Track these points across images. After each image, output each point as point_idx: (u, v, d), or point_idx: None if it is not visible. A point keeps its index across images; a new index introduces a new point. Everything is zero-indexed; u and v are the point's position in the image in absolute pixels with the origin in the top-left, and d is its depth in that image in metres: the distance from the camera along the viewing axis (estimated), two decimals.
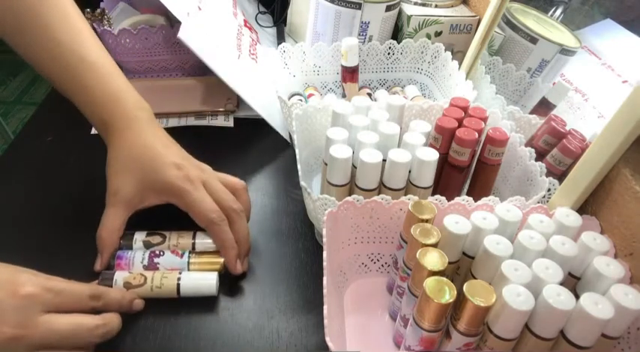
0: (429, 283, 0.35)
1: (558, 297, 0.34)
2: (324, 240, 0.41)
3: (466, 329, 0.36)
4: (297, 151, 0.50)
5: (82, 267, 0.51)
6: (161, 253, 0.50)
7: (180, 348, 0.45)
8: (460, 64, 0.66)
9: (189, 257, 0.49)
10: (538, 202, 0.46)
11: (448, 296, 0.35)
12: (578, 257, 0.39)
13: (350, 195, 0.45)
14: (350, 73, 0.67)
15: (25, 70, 2.30)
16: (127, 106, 0.52)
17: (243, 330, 0.46)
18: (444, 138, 0.48)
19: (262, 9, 0.99)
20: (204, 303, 0.48)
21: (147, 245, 0.51)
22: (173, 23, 0.75)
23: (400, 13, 0.75)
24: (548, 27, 0.63)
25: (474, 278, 0.39)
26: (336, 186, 0.47)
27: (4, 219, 0.57)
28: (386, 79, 0.75)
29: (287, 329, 0.47)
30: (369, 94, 0.71)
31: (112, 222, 0.50)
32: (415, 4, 0.75)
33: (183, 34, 0.62)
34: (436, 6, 0.75)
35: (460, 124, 0.48)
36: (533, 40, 0.61)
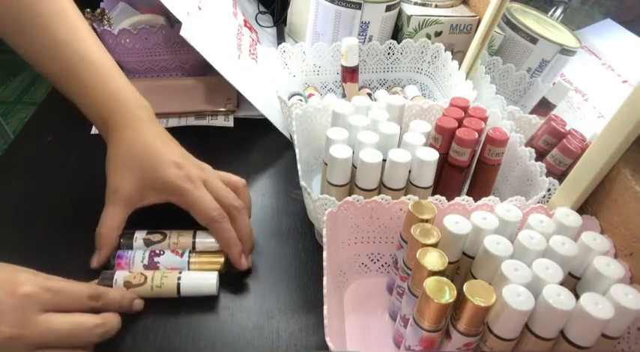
0: (429, 283, 0.35)
1: (558, 297, 0.34)
2: (324, 240, 0.41)
3: (466, 329, 0.36)
4: (297, 151, 0.51)
5: (82, 267, 0.51)
6: (161, 252, 0.50)
7: (180, 348, 0.45)
8: (460, 64, 0.66)
9: (189, 256, 0.50)
10: (538, 202, 0.46)
11: (448, 296, 0.35)
12: (578, 257, 0.39)
13: (350, 195, 0.45)
14: (350, 73, 0.67)
15: (25, 70, 2.30)
16: (128, 105, 0.52)
17: (243, 330, 0.46)
18: (444, 138, 0.48)
19: (262, 9, 0.99)
20: (204, 303, 0.48)
21: (147, 243, 0.51)
22: (173, 23, 0.75)
23: (400, 13, 0.75)
24: (548, 27, 0.63)
25: (474, 278, 0.39)
26: (336, 186, 0.47)
27: (4, 218, 0.57)
28: (386, 79, 0.75)
29: (287, 329, 0.47)
30: (369, 94, 0.71)
31: (112, 219, 0.50)
32: (415, 4, 0.75)
33: (185, 32, 0.62)
34: (436, 6, 0.75)
35: (460, 124, 0.48)
36: (533, 40, 0.61)
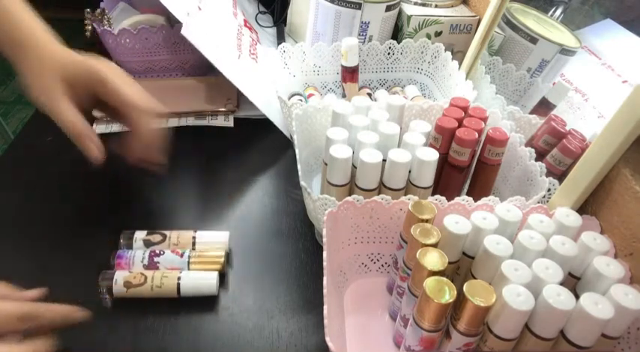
0: (429, 283, 0.35)
1: (558, 297, 0.34)
2: (324, 240, 0.41)
3: (466, 329, 0.36)
4: (297, 151, 0.50)
5: (81, 266, 0.51)
6: (161, 252, 0.50)
7: (181, 348, 0.45)
8: (460, 64, 0.66)
9: (189, 256, 0.50)
10: (538, 202, 0.46)
11: (448, 296, 0.35)
12: (578, 257, 0.39)
13: (350, 195, 0.45)
14: (350, 73, 0.67)
15: None
16: (37, 29, 0.52)
17: (243, 330, 0.47)
18: (444, 138, 0.48)
19: (262, 9, 0.99)
20: (204, 303, 0.48)
21: (147, 244, 0.51)
22: (173, 23, 0.75)
23: (400, 13, 0.75)
24: (548, 27, 0.63)
25: (474, 278, 0.39)
26: (336, 186, 0.47)
27: (4, 218, 0.57)
28: (386, 79, 0.75)
29: (287, 329, 0.47)
30: (369, 94, 0.71)
31: (69, 112, 0.48)
32: (415, 4, 0.75)
33: (186, 32, 0.62)
34: (436, 6, 0.75)
35: (460, 124, 0.48)
36: (533, 40, 0.61)
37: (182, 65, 0.79)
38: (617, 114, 0.41)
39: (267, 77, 0.75)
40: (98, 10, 0.79)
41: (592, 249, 0.39)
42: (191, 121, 0.72)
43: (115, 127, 0.71)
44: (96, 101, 0.51)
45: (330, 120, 0.53)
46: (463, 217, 0.40)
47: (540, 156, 0.50)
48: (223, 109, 0.74)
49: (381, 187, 0.48)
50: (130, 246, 0.51)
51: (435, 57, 0.71)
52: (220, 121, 0.73)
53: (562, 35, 0.62)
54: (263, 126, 0.72)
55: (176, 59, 0.78)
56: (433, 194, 0.44)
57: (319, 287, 0.39)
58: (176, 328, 0.46)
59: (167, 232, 0.52)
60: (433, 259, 0.37)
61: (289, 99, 0.68)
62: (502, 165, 0.50)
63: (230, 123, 0.73)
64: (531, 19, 0.63)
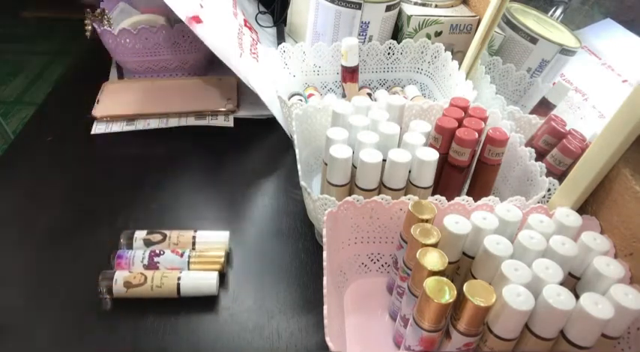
0: (429, 283, 0.35)
1: (558, 297, 0.34)
2: (324, 240, 0.41)
3: (466, 329, 0.36)
4: (297, 151, 0.50)
5: (82, 266, 0.51)
6: (161, 252, 0.50)
7: (181, 348, 0.45)
8: (460, 64, 0.66)
9: (189, 256, 0.50)
10: (538, 202, 0.46)
11: (448, 296, 0.35)
12: (578, 257, 0.39)
13: (350, 195, 0.45)
14: (350, 73, 0.67)
15: (25, 70, 2.30)
16: None
17: (243, 330, 0.47)
18: (444, 138, 0.48)
19: (262, 9, 0.99)
20: (204, 303, 0.48)
21: (147, 243, 0.51)
22: (173, 23, 0.75)
23: (400, 13, 0.75)
24: (548, 27, 0.63)
25: (474, 278, 0.39)
26: (336, 186, 0.47)
27: (5, 218, 0.57)
28: (386, 79, 0.75)
29: (287, 329, 0.47)
30: (369, 94, 0.71)
31: None
32: (415, 4, 0.75)
33: (199, 30, 0.62)
34: (436, 6, 0.75)
35: (460, 124, 0.48)
36: (533, 40, 0.61)
37: (182, 65, 0.79)
38: (617, 114, 0.41)
39: (268, 76, 0.75)
40: (98, 10, 0.79)
41: (592, 249, 0.39)
42: (191, 121, 0.72)
43: (115, 127, 0.71)
44: None
45: (330, 120, 0.53)
46: (463, 217, 0.40)
47: (540, 156, 0.50)
48: (223, 109, 0.74)
49: (381, 187, 0.48)
50: (130, 246, 0.51)
51: (435, 57, 0.71)
52: (220, 121, 0.73)
53: (562, 35, 0.62)
54: (263, 126, 0.72)
55: (176, 59, 0.78)
56: (433, 194, 0.44)
57: (319, 287, 0.39)
58: (176, 328, 0.46)
59: (167, 232, 0.52)
60: (433, 259, 0.37)
61: (289, 99, 0.68)
62: (502, 165, 0.50)
63: (230, 123, 0.73)
64: (531, 19, 0.63)
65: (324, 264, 0.40)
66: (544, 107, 0.58)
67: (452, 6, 0.76)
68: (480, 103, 0.54)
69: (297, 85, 0.72)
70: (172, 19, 0.78)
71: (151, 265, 0.49)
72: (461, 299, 0.35)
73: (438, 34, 0.74)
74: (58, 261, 0.52)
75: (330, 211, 0.43)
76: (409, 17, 0.72)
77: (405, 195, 0.45)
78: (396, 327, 0.44)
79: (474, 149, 0.48)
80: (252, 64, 0.76)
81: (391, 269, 0.48)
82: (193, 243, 0.51)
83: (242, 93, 0.77)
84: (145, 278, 0.47)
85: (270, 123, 0.72)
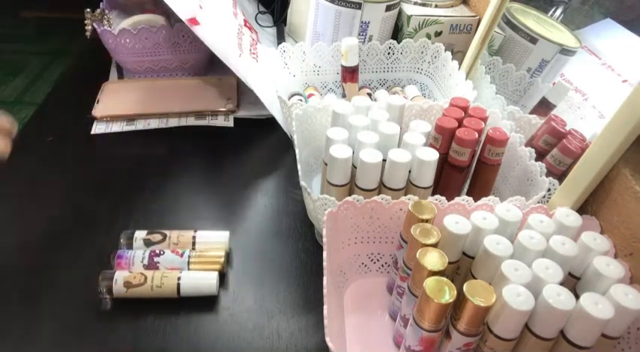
0: (429, 283, 0.35)
1: (558, 297, 0.34)
2: (324, 240, 0.41)
3: (466, 329, 0.36)
4: (297, 151, 0.50)
5: (82, 266, 0.51)
6: (161, 252, 0.50)
7: (181, 348, 0.45)
8: (460, 64, 0.66)
9: (189, 256, 0.50)
10: (538, 202, 0.46)
11: (448, 296, 0.35)
12: (578, 257, 0.39)
13: (350, 195, 0.45)
14: (350, 73, 0.67)
15: (25, 70, 2.30)
16: None
17: (243, 330, 0.47)
18: (444, 138, 0.48)
19: (262, 9, 0.99)
20: (204, 303, 0.48)
21: (147, 243, 0.51)
22: (173, 23, 0.75)
23: (400, 13, 0.75)
24: (548, 27, 0.63)
25: (474, 278, 0.39)
26: (336, 186, 0.47)
27: (4, 218, 0.57)
28: (386, 79, 0.75)
29: (287, 329, 0.47)
30: (369, 94, 0.71)
31: None
32: (415, 4, 0.75)
33: (199, 30, 0.62)
34: (436, 6, 0.75)
35: (460, 124, 0.48)
36: (533, 40, 0.61)
37: (182, 65, 0.79)
38: (617, 114, 0.41)
39: (268, 77, 0.75)
40: (98, 10, 0.79)
41: (592, 249, 0.39)
42: (191, 121, 0.72)
43: (115, 127, 0.71)
44: None
45: (330, 120, 0.53)
46: (463, 217, 0.40)
47: (540, 156, 0.50)
48: (223, 109, 0.74)
49: (381, 187, 0.48)
50: (130, 246, 0.51)
51: (435, 57, 0.71)
52: (220, 121, 0.73)
53: (562, 35, 0.62)
54: (263, 126, 0.72)
55: (176, 59, 0.78)
56: (433, 194, 0.44)
57: (319, 287, 0.39)
58: (176, 328, 0.46)
59: (167, 232, 0.52)
60: (433, 259, 0.37)
61: (289, 99, 0.68)
62: (502, 165, 0.50)
63: (230, 123, 0.73)
64: (531, 19, 0.63)
65: (324, 264, 0.40)
66: (544, 107, 0.58)
67: (452, 6, 0.76)
68: (479, 103, 0.54)
69: (297, 85, 0.72)
70: (172, 19, 0.78)
71: (151, 265, 0.49)
72: (461, 299, 0.35)
73: (438, 34, 0.74)
74: (58, 260, 0.52)
75: (330, 211, 0.43)
76: (409, 17, 0.72)
77: (405, 195, 0.45)
78: (396, 327, 0.44)
79: (474, 149, 0.48)
80: (252, 64, 0.76)
81: (391, 269, 0.48)
82: (193, 243, 0.51)
83: (242, 93, 0.77)
84: (145, 278, 0.47)
85: (270, 123, 0.72)
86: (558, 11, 0.66)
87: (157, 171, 0.64)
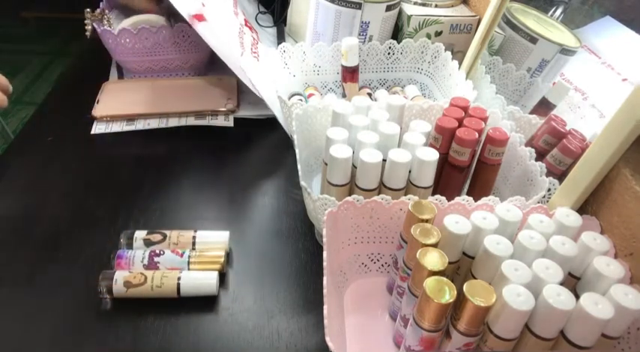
0: (429, 283, 0.35)
1: (558, 297, 0.34)
2: (324, 240, 0.41)
3: (466, 329, 0.36)
4: (297, 151, 0.50)
5: (82, 266, 0.51)
6: (161, 252, 0.50)
7: (180, 348, 0.45)
8: (460, 64, 0.66)
9: (189, 256, 0.50)
10: (538, 202, 0.46)
11: (448, 296, 0.35)
12: (578, 257, 0.39)
13: (350, 195, 0.45)
14: (350, 73, 0.67)
15: (25, 70, 2.30)
16: None
17: (243, 330, 0.47)
18: (444, 138, 0.48)
19: (262, 9, 0.99)
20: (204, 303, 0.48)
21: (147, 243, 0.51)
22: (173, 23, 0.75)
23: (400, 13, 0.75)
24: (548, 27, 0.63)
25: (474, 278, 0.39)
26: (336, 186, 0.47)
27: (4, 218, 0.57)
28: (386, 78, 0.75)
29: (287, 329, 0.47)
30: (369, 94, 0.71)
31: None
32: (415, 4, 0.75)
33: (200, 28, 0.61)
34: (436, 6, 0.75)
35: (460, 124, 0.48)
36: (533, 39, 0.61)
37: (182, 65, 0.79)
38: (617, 114, 0.41)
39: (269, 76, 0.75)
40: (98, 10, 0.79)
41: (592, 249, 0.39)
42: (191, 121, 0.72)
43: (115, 127, 0.71)
44: None
45: (330, 120, 0.53)
46: (463, 217, 0.40)
47: (540, 156, 0.50)
48: (223, 109, 0.74)
49: (381, 187, 0.48)
50: (130, 246, 0.51)
51: (435, 57, 0.71)
52: (220, 121, 0.73)
53: (562, 35, 0.62)
54: (263, 126, 0.72)
55: (176, 59, 0.78)
56: (433, 194, 0.44)
57: (319, 287, 0.39)
58: (176, 328, 0.46)
59: (167, 232, 0.52)
60: (433, 259, 0.37)
61: (289, 99, 0.68)
62: (502, 165, 0.50)
63: (230, 123, 0.73)
64: (531, 19, 0.63)
65: (324, 264, 0.40)
66: (544, 107, 0.58)
67: (452, 6, 0.76)
68: (480, 103, 0.54)
69: (297, 84, 0.72)
70: (172, 19, 0.78)
71: (151, 265, 0.49)
72: (461, 299, 0.35)
73: (438, 33, 0.74)
74: (58, 260, 0.52)
75: (330, 211, 0.43)
76: (409, 17, 0.72)
77: (405, 195, 0.45)
78: (396, 327, 0.44)
79: (474, 149, 0.48)
80: (254, 64, 0.76)
81: (391, 269, 0.48)
82: (193, 243, 0.51)
83: (242, 93, 0.77)
84: (145, 278, 0.47)
85: (270, 123, 0.72)
86: (558, 11, 0.66)
87: (157, 171, 0.64)
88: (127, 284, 0.47)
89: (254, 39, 0.84)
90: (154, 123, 0.72)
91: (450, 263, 0.38)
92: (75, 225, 0.56)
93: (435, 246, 0.38)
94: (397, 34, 0.77)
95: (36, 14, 2.55)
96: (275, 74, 0.66)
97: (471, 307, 0.34)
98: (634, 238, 0.41)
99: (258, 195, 0.62)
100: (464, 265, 0.42)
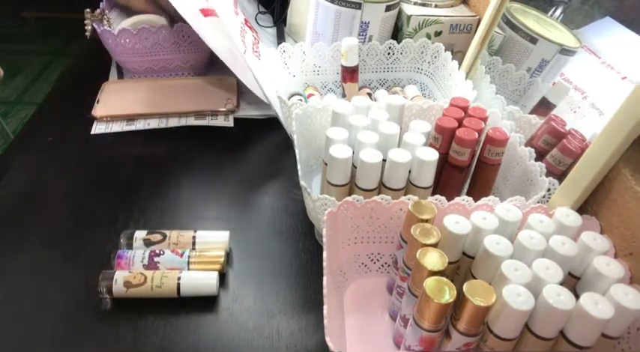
0: (429, 283, 0.35)
1: (558, 297, 0.34)
2: (324, 240, 0.41)
3: (466, 329, 0.36)
4: (297, 151, 0.50)
5: (82, 266, 0.51)
6: (161, 252, 0.50)
7: (180, 348, 0.45)
8: (460, 64, 0.66)
9: (189, 256, 0.50)
10: (538, 202, 0.46)
11: (448, 296, 0.35)
12: (578, 257, 0.39)
13: (350, 195, 0.45)
14: (350, 73, 0.67)
15: (25, 70, 2.30)
16: None
17: (243, 330, 0.47)
18: (444, 138, 0.48)
19: (262, 9, 0.99)
20: (204, 303, 0.48)
21: (147, 243, 0.51)
22: (173, 23, 0.75)
23: (400, 13, 0.75)
24: (548, 27, 0.63)
25: (474, 278, 0.39)
26: (336, 186, 0.47)
27: (4, 218, 0.57)
28: (386, 78, 0.75)
29: (287, 329, 0.47)
30: (369, 94, 0.71)
31: None
32: (415, 4, 0.75)
33: (200, 28, 0.61)
34: (436, 6, 0.75)
35: (460, 124, 0.48)
36: (533, 40, 0.61)
37: (182, 65, 0.79)
38: (616, 114, 0.41)
39: (269, 76, 0.75)
40: (98, 10, 0.79)
41: (592, 249, 0.39)
42: (191, 121, 0.72)
43: (115, 127, 0.71)
44: None
45: (330, 120, 0.53)
46: (463, 217, 0.40)
47: (540, 156, 0.50)
48: (223, 109, 0.74)
49: (381, 187, 0.48)
50: (130, 246, 0.51)
51: (435, 57, 0.71)
52: (220, 121, 0.73)
53: (562, 35, 0.62)
54: (263, 126, 0.72)
55: (176, 59, 0.78)
56: (433, 194, 0.44)
57: (319, 287, 0.39)
58: (176, 328, 0.46)
59: (167, 232, 0.52)
60: (433, 259, 0.37)
61: (289, 99, 0.68)
62: (502, 165, 0.50)
63: (230, 123, 0.73)
64: (531, 19, 0.63)
65: (324, 264, 0.40)
66: (544, 107, 0.58)
67: (452, 6, 0.76)
68: (479, 103, 0.54)
69: (297, 84, 0.72)
70: (172, 19, 0.78)
71: (151, 265, 0.49)
72: (461, 299, 0.35)
73: (438, 34, 0.74)
74: (58, 260, 0.52)
75: (330, 211, 0.43)
76: (409, 17, 0.72)
77: (405, 195, 0.45)
78: (396, 327, 0.44)
79: (473, 149, 0.48)
80: (255, 62, 0.76)
81: (391, 269, 0.48)
82: (193, 243, 0.51)
83: (242, 93, 0.77)
84: (145, 278, 0.47)
85: (270, 123, 0.72)
86: (558, 11, 0.66)
87: (156, 171, 0.64)
88: (127, 284, 0.47)
89: (255, 38, 0.84)
90: (153, 123, 0.72)
91: (449, 263, 0.38)
92: (75, 225, 0.56)
93: (434, 246, 0.38)
94: (397, 34, 0.77)
95: (36, 14, 2.55)
96: (275, 74, 0.66)
97: (470, 307, 0.34)
98: (634, 238, 0.41)
99: (258, 195, 0.62)
100: (464, 265, 0.42)
